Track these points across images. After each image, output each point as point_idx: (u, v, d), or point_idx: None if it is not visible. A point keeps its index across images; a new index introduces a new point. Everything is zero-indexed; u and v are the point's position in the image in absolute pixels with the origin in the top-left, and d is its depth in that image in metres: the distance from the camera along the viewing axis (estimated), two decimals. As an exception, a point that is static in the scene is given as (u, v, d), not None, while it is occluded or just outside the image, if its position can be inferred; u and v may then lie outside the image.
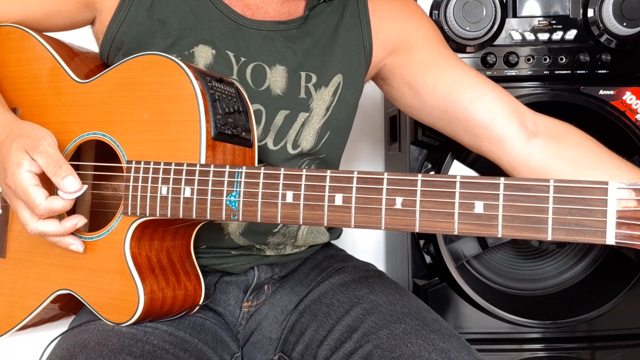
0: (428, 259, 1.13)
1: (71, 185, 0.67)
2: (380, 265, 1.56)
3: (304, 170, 0.61)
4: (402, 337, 0.72)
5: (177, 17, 0.81)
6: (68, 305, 0.82)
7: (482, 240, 1.07)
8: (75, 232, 0.74)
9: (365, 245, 1.57)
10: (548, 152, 0.82)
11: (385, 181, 0.56)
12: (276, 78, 0.83)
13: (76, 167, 0.85)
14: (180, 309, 0.76)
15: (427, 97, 0.87)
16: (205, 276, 0.80)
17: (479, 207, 0.53)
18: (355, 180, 0.58)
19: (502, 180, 0.51)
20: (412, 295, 0.84)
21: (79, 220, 0.70)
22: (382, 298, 0.80)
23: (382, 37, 0.89)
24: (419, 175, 0.55)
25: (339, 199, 0.58)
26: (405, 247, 1.17)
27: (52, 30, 0.87)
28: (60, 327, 0.79)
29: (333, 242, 1.04)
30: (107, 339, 0.69)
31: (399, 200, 0.56)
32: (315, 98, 0.85)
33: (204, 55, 0.80)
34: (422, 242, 1.12)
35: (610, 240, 0.48)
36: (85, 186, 0.69)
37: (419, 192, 0.55)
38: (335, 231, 1.00)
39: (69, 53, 0.85)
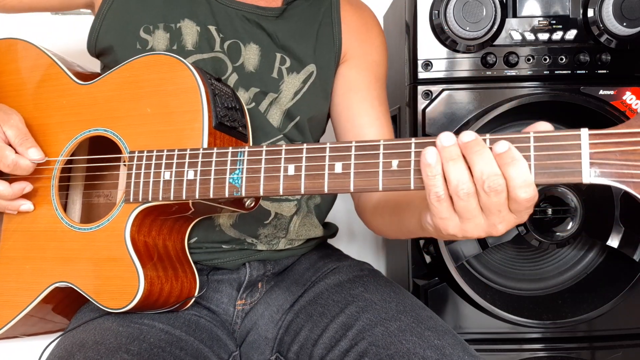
0: (428, 258, 1.13)
1: (34, 155, 0.76)
2: (380, 265, 1.56)
3: (305, 144, 0.64)
4: (396, 334, 0.72)
5: None
6: (61, 303, 0.81)
7: (482, 240, 1.07)
8: (74, 225, 0.75)
9: (365, 244, 1.57)
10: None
11: (381, 147, 0.60)
12: (249, 55, 0.87)
13: (75, 163, 0.86)
14: (177, 300, 0.77)
15: (336, 106, 0.96)
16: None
17: None
18: (353, 148, 0.61)
19: (487, 136, 0.56)
20: (407, 293, 0.84)
21: (27, 185, 0.76)
22: (376, 296, 0.80)
23: (343, 43, 0.95)
24: (412, 139, 0.60)
25: (338, 167, 0.62)
26: (405, 247, 1.17)
27: (47, 9, 0.92)
28: (54, 335, 0.79)
29: (329, 241, 1.04)
30: (104, 337, 0.69)
31: (394, 163, 0.60)
32: (285, 81, 0.89)
33: (190, 32, 0.85)
34: (422, 242, 1.12)
35: (586, 179, 0.53)
36: (46, 158, 0.77)
37: (412, 154, 0.59)
38: (330, 228, 1.00)
39: (69, 61, 0.87)
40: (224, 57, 0.86)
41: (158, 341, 0.72)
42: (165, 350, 0.71)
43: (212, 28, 0.86)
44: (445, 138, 0.55)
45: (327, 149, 0.62)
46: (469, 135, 0.55)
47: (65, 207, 0.87)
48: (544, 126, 0.56)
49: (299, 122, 0.90)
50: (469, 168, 0.55)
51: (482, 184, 0.54)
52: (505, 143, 0.54)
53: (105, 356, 0.65)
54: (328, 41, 0.93)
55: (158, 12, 0.85)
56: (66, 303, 0.82)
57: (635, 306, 1.08)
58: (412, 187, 0.59)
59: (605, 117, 1.03)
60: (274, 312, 0.88)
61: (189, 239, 0.81)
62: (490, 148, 0.55)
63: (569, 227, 1.05)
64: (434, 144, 0.57)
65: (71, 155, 0.80)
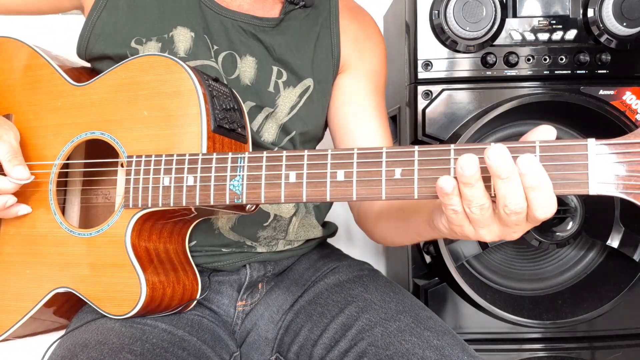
0: (428, 258, 1.13)
1: (20, 174, 0.74)
2: (380, 265, 1.56)
3: (306, 151, 0.63)
4: (396, 335, 0.72)
5: (157, 2, 0.84)
6: (62, 307, 0.82)
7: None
8: (73, 230, 0.75)
9: (365, 244, 1.57)
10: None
11: (384, 155, 0.59)
12: (245, 68, 0.85)
13: (72, 166, 0.86)
14: (179, 303, 0.77)
15: (334, 116, 0.94)
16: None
17: None
18: (355, 155, 0.60)
19: (492, 144, 0.54)
20: (407, 293, 0.84)
21: (8, 199, 0.75)
22: (376, 296, 0.80)
23: (342, 53, 0.93)
24: (416, 147, 0.58)
25: (340, 175, 0.61)
26: (405, 247, 1.17)
27: (35, 14, 0.91)
28: (56, 335, 0.79)
29: (329, 240, 1.04)
30: (107, 338, 0.69)
31: (398, 171, 0.59)
32: (282, 95, 0.87)
33: (183, 39, 0.83)
34: (422, 242, 1.12)
35: (593, 190, 0.52)
36: (33, 177, 0.76)
37: (416, 162, 0.58)
38: (329, 227, 1.00)
39: (62, 60, 0.86)
40: (217, 68, 0.84)
41: (161, 341, 0.72)
42: (168, 350, 0.71)
43: (207, 38, 0.84)
44: (467, 167, 0.53)
45: (329, 156, 0.61)
46: (497, 158, 0.51)
47: (63, 208, 0.87)
48: (545, 130, 0.55)
49: (295, 136, 0.89)
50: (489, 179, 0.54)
51: (504, 207, 0.54)
52: (531, 161, 0.51)
53: (109, 356, 0.65)
54: (326, 53, 0.91)
55: (151, 24, 0.83)
56: (67, 307, 0.82)
57: (635, 306, 1.08)
58: (415, 197, 0.58)
59: (605, 117, 1.03)
60: (274, 312, 0.88)
61: (188, 242, 0.81)
62: (514, 157, 0.52)
63: (569, 227, 1.05)
64: (439, 152, 0.56)
65: (68, 158, 0.80)
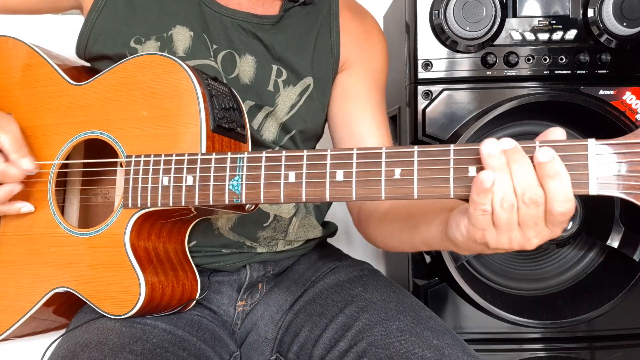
0: (428, 258, 1.13)
1: (26, 165, 0.75)
2: (380, 265, 1.56)
3: (305, 151, 0.62)
4: (396, 335, 0.72)
5: (156, 2, 0.84)
6: (62, 306, 0.82)
7: (482, 240, 1.07)
8: (72, 230, 0.75)
9: (365, 244, 1.57)
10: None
11: (383, 155, 0.59)
12: (245, 67, 0.85)
13: (71, 165, 0.86)
14: (179, 303, 0.77)
15: (334, 115, 0.94)
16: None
17: (472, 171, 0.56)
18: (355, 156, 0.60)
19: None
20: (407, 292, 0.84)
21: (14, 187, 0.76)
22: (376, 296, 0.80)
23: (342, 51, 0.93)
24: (415, 147, 0.58)
25: (340, 175, 0.61)
26: (405, 247, 1.17)
27: (34, 13, 0.91)
28: (55, 335, 0.79)
29: (329, 240, 1.04)
30: (107, 338, 0.69)
31: (397, 171, 0.58)
32: (282, 94, 0.87)
33: (182, 38, 0.83)
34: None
35: (593, 190, 0.52)
36: (38, 170, 0.77)
37: (415, 162, 0.58)
38: (329, 227, 1.00)
39: (61, 59, 0.86)
40: (217, 67, 0.84)
41: (161, 341, 0.72)
42: (169, 350, 0.71)
43: (206, 37, 0.84)
44: (491, 146, 0.53)
45: (328, 156, 0.61)
46: (508, 142, 0.53)
47: (62, 208, 0.87)
48: (556, 132, 0.55)
49: (295, 134, 0.89)
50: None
51: (523, 195, 0.53)
52: (550, 152, 0.52)
53: (109, 356, 0.65)
54: (326, 52, 0.91)
55: (150, 23, 0.83)
56: (67, 306, 0.82)
57: (635, 306, 1.08)
58: (415, 197, 0.58)
59: (605, 117, 1.03)
60: (273, 312, 0.88)
61: (188, 243, 0.81)
62: (531, 157, 0.53)
63: (569, 227, 1.05)
64: (439, 152, 0.56)
65: (67, 157, 0.80)
